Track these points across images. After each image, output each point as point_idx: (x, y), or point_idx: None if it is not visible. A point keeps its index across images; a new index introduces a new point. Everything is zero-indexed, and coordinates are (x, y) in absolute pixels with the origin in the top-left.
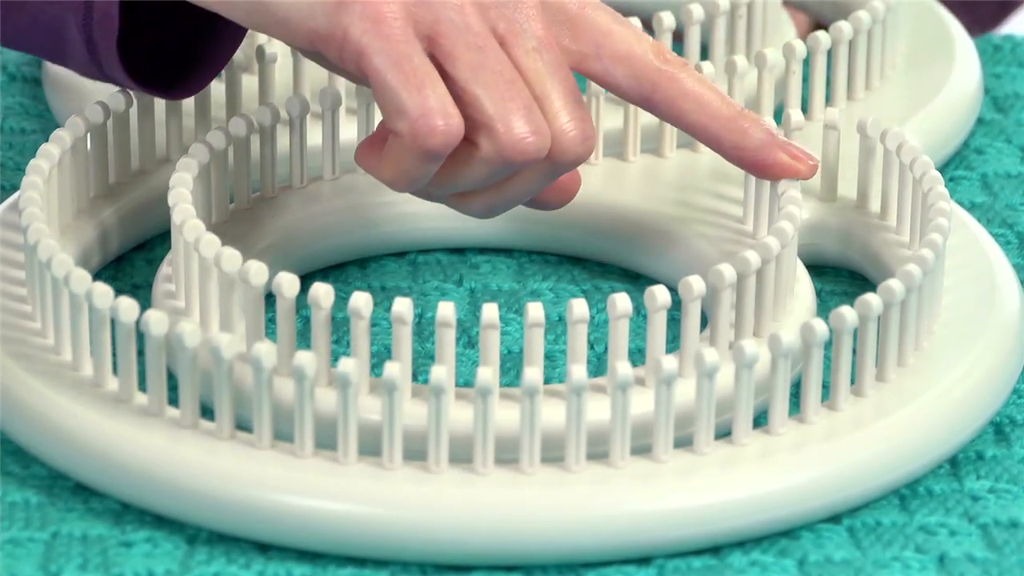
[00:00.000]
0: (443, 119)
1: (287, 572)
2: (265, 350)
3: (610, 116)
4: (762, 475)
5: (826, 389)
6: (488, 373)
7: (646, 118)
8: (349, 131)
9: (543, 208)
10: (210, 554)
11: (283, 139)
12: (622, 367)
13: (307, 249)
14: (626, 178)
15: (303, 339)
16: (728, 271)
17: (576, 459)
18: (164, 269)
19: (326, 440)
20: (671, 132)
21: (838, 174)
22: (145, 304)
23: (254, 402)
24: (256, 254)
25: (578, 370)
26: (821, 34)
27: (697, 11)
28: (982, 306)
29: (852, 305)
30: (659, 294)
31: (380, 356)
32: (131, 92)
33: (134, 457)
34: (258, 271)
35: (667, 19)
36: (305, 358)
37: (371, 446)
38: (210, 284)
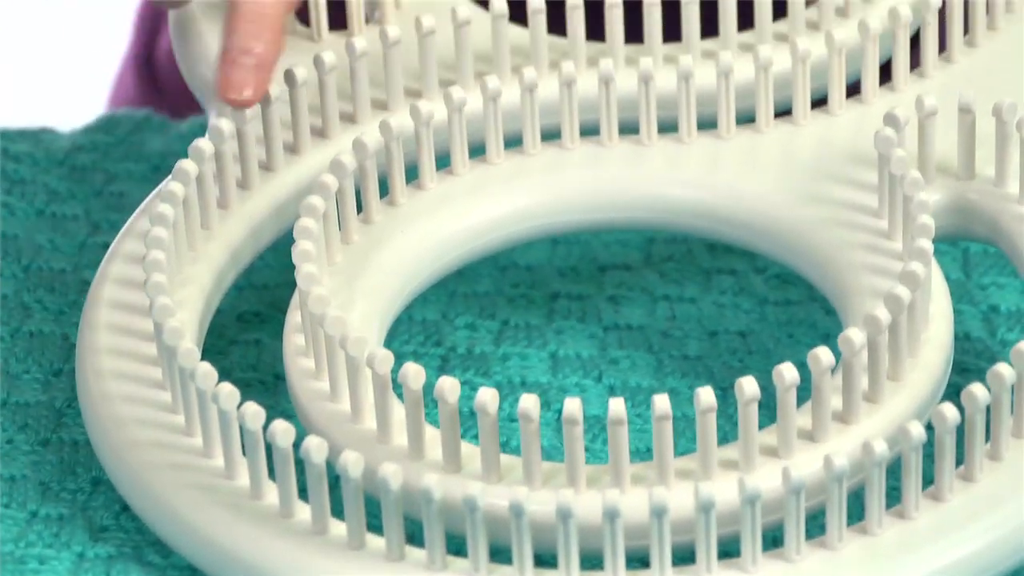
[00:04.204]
0: None
1: None
2: (352, 459)
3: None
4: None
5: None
6: (615, 495)
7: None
8: None
9: None
10: None
11: None
12: (751, 482)
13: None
14: (760, 156)
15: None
16: (858, 337)
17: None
18: (292, 339)
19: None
20: (804, 94)
21: (975, 153)
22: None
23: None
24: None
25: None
26: None
27: None
28: None
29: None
30: (787, 373)
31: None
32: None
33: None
34: (384, 359)
35: None
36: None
37: (503, 538)
38: (339, 363)
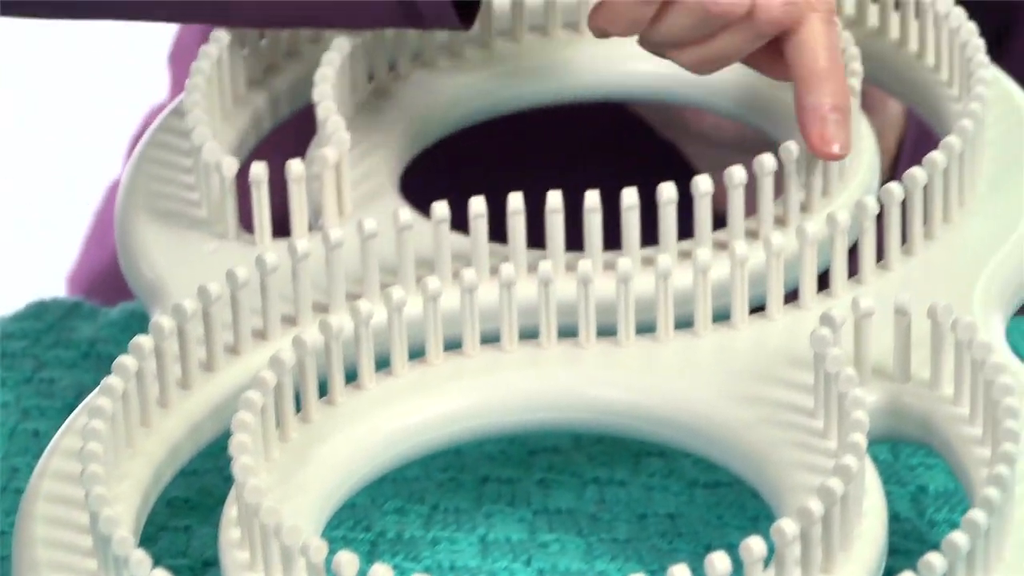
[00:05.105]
0: None
1: None
2: None
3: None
4: None
5: None
6: None
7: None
8: None
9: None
10: None
11: None
12: None
13: None
14: (697, 359)
15: None
16: (790, 528)
17: None
18: (229, 532)
19: None
20: (742, 298)
21: (910, 355)
22: None
23: None
24: None
25: None
26: (894, 186)
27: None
28: None
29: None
30: (719, 564)
31: None
32: None
33: None
34: (318, 548)
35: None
36: None
37: None
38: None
